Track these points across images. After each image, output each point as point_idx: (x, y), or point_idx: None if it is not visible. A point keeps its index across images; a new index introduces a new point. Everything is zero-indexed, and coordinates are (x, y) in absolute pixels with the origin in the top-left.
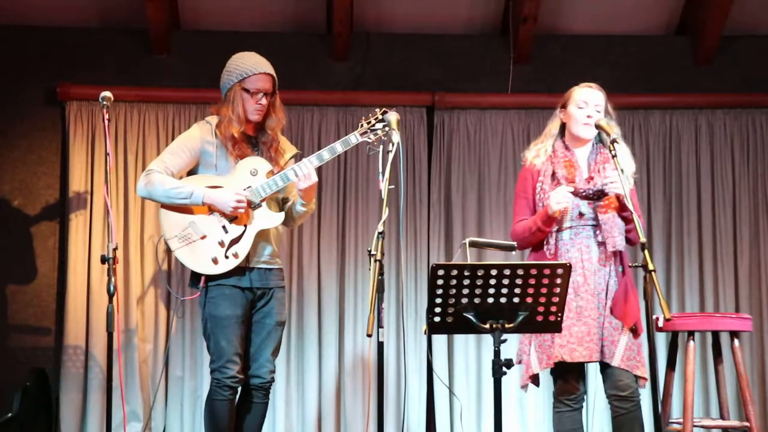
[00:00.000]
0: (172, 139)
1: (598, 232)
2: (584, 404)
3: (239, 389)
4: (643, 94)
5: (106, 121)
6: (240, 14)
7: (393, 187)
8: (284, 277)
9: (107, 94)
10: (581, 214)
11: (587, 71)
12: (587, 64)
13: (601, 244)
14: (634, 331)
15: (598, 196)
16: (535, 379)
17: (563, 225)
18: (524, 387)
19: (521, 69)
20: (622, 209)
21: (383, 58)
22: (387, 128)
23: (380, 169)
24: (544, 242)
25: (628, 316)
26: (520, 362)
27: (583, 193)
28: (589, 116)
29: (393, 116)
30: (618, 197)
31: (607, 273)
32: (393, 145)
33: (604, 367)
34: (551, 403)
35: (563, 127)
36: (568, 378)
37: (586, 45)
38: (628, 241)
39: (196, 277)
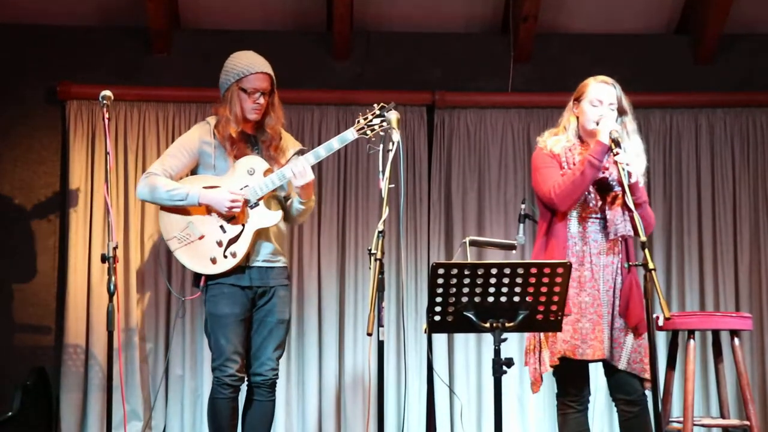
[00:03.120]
0: (173, 139)
1: (605, 225)
2: (589, 405)
3: (240, 388)
4: (643, 93)
5: (106, 120)
6: (240, 13)
7: (393, 186)
8: (288, 275)
9: (107, 93)
10: (587, 205)
11: (587, 70)
12: (587, 62)
13: (609, 238)
14: (636, 330)
15: (607, 188)
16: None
17: (571, 215)
18: (535, 387)
19: (521, 68)
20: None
21: (383, 56)
22: (385, 125)
23: (380, 168)
24: (551, 235)
25: (632, 315)
26: (527, 365)
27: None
28: (601, 116)
29: (393, 115)
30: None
31: (614, 270)
32: (393, 144)
33: (610, 370)
34: (552, 402)
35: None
36: (571, 378)
37: (586, 44)
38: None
39: (197, 276)
